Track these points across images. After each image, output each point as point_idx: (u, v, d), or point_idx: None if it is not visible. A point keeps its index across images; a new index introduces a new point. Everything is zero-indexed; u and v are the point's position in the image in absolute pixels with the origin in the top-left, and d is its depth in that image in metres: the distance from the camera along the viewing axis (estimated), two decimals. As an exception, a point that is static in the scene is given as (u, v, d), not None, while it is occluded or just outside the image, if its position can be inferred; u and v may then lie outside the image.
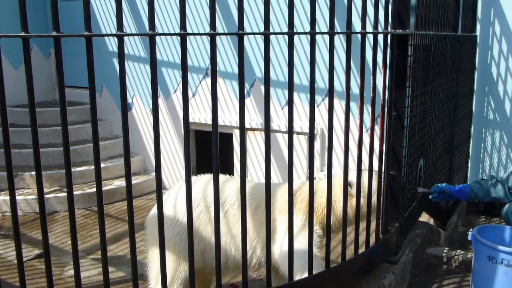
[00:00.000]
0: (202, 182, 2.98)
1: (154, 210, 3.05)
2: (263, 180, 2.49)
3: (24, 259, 3.44)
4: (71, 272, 3.70)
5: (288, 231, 2.53)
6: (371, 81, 2.82)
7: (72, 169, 2.04)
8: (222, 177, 3.03)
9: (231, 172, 5.65)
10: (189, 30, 5.21)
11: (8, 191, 1.92)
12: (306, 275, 2.63)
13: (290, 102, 2.40)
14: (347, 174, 2.74)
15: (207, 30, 2.10)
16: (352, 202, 2.92)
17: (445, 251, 3.92)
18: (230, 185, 2.97)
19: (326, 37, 2.54)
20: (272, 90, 5.34)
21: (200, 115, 6.03)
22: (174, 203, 2.93)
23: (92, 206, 5.50)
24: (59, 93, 1.91)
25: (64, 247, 4.39)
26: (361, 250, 2.95)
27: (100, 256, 2.16)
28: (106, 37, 6.56)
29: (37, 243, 4.41)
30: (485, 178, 5.15)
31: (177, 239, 2.89)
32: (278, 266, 2.84)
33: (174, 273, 2.88)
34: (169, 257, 2.85)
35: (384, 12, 2.85)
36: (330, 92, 2.58)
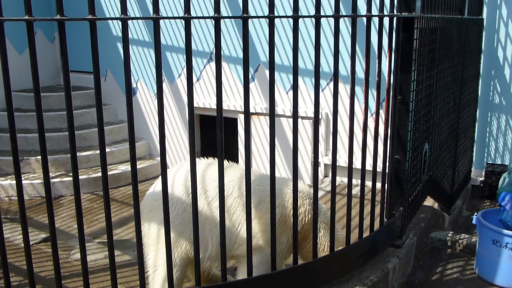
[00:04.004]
0: (200, 167, 2.83)
1: (148, 196, 2.92)
2: (267, 165, 2.49)
3: (31, 243, 3.47)
4: (78, 255, 3.73)
5: (293, 221, 2.54)
6: (376, 65, 2.81)
7: (78, 154, 2.05)
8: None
9: (235, 157, 5.65)
10: (193, 14, 5.18)
11: (14, 176, 1.93)
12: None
13: (294, 87, 2.39)
14: (352, 158, 2.73)
15: (212, 13, 2.09)
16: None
17: (449, 235, 3.93)
18: (229, 173, 2.81)
19: (331, 20, 2.52)
20: (276, 74, 5.32)
21: (205, 99, 6.02)
22: (171, 186, 2.76)
23: (97, 190, 5.52)
24: (64, 78, 1.91)
25: (70, 231, 4.42)
26: (366, 234, 2.96)
27: (106, 240, 2.18)
28: (110, 22, 6.53)
29: (43, 227, 4.45)
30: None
31: (175, 221, 2.78)
32: None
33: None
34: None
35: (390, -5, 2.82)
36: (335, 76, 2.57)
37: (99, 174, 5.56)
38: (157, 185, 2.90)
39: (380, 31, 2.80)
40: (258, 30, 5.47)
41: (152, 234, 2.83)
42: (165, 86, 6.24)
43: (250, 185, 2.36)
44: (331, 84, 5.06)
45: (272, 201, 2.43)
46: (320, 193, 4.40)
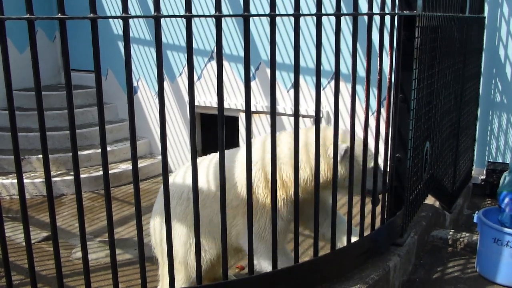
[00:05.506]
0: (205, 164, 2.83)
1: (159, 201, 2.88)
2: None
3: (32, 242, 3.47)
4: (79, 254, 3.72)
5: (294, 212, 2.55)
6: (378, 63, 2.80)
7: (79, 153, 2.05)
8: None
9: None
10: (194, 12, 5.17)
11: (15, 174, 1.94)
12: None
13: (296, 85, 2.39)
14: (353, 156, 2.73)
15: (213, 12, 2.09)
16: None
17: (450, 233, 3.93)
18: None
19: (332, 18, 2.52)
20: (277, 73, 5.31)
21: (206, 98, 6.02)
22: (182, 183, 2.79)
23: (98, 189, 5.53)
24: (65, 77, 1.91)
25: (72, 229, 4.43)
26: (367, 232, 2.96)
27: (107, 238, 2.18)
28: (111, 20, 6.52)
29: (44, 225, 4.45)
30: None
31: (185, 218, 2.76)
32: None
33: (183, 260, 2.75)
34: (179, 241, 2.75)
35: (391, -7, 2.82)
36: (336, 75, 2.57)
37: (100, 172, 5.55)
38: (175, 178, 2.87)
39: (382, 29, 2.80)
40: (259, 28, 5.47)
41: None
42: (166, 84, 6.24)
43: (251, 184, 2.36)
44: (332, 83, 5.06)
45: (272, 198, 2.43)
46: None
